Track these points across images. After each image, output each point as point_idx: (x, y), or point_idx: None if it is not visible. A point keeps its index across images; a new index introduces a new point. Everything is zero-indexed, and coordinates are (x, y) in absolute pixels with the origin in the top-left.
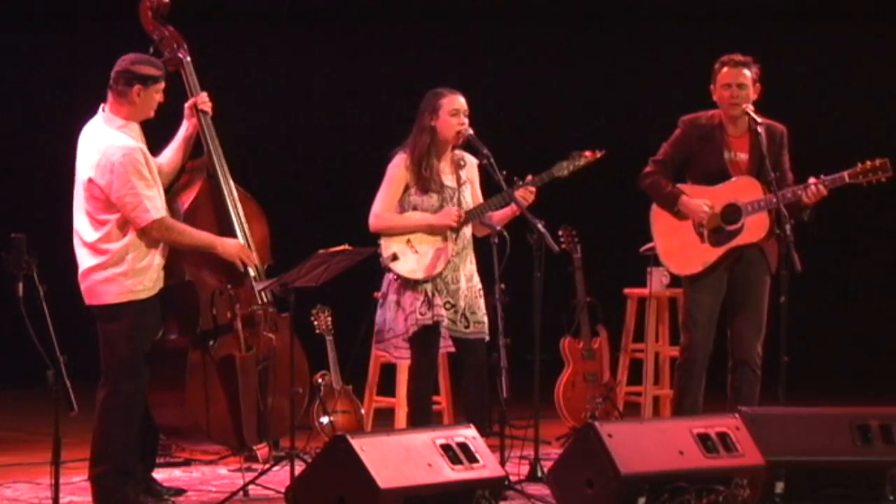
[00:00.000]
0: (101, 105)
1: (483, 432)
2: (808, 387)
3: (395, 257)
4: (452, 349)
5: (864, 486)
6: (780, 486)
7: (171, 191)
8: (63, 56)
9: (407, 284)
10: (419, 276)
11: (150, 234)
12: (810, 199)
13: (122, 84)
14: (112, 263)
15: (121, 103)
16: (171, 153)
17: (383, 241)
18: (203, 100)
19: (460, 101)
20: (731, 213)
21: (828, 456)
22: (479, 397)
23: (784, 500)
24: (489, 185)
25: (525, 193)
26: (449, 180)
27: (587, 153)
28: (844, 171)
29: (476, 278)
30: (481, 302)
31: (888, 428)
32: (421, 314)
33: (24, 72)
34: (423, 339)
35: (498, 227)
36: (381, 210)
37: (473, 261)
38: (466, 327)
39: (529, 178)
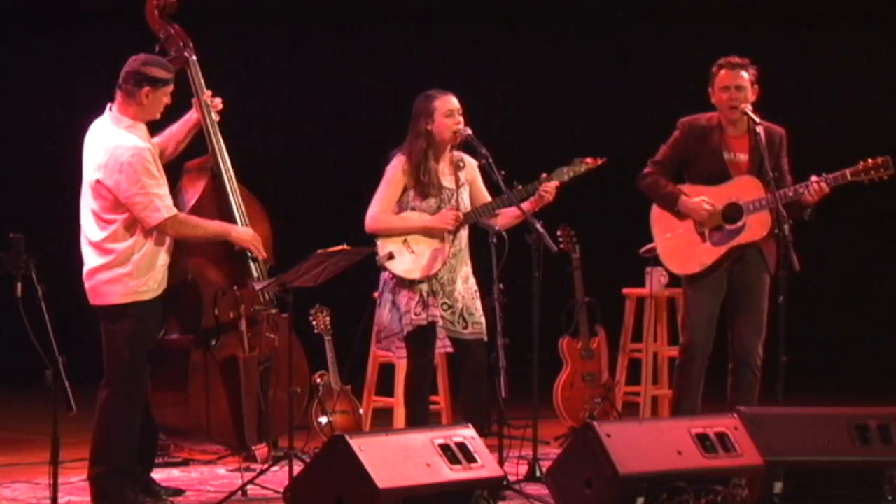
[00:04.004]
0: (108, 105)
1: (482, 432)
2: (806, 387)
3: (391, 257)
4: (451, 349)
5: (863, 486)
6: (778, 487)
7: (176, 189)
8: (64, 55)
9: (402, 284)
10: (415, 276)
11: (164, 232)
12: (812, 196)
13: (132, 84)
14: (117, 263)
15: (129, 103)
16: (172, 133)
17: (380, 241)
18: (209, 96)
19: (453, 102)
20: (733, 211)
21: (826, 456)
22: (477, 397)
23: (782, 501)
24: (489, 186)
25: (550, 189)
26: (447, 181)
27: (588, 160)
28: (846, 169)
29: (472, 279)
30: (478, 303)
31: (887, 428)
32: (416, 314)
33: (25, 72)
34: (419, 339)
35: (496, 228)
36: (378, 211)
37: (469, 262)
38: (465, 328)
39: (544, 175)
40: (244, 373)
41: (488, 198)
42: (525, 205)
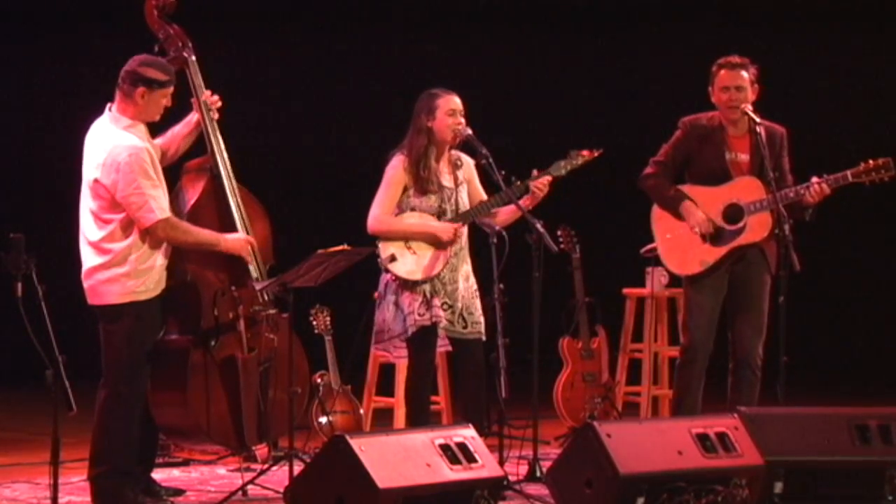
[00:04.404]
0: (108, 104)
1: (482, 432)
2: (806, 387)
3: (393, 258)
4: (450, 348)
5: (863, 486)
6: (778, 487)
7: (175, 189)
8: (64, 55)
9: (405, 285)
10: (418, 276)
11: (155, 234)
12: (813, 198)
13: (128, 84)
14: (114, 263)
15: (126, 103)
16: (175, 134)
17: (381, 243)
18: (208, 96)
19: (456, 101)
20: (734, 212)
21: (826, 456)
22: (477, 397)
23: (783, 501)
24: (488, 186)
25: (542, 185)
26: (447, 181)
27: (585, 152)
28: (848, 170)
29: (472, 278)
30: (478, 302)
31: (887, 428)
32: (419, 315)
33: (25, 72)
34: (422, 340)
35: (496, 227)
36: (380, 213)
37: (469, 260)
38: (464, 328)
39: (535, 172)
40: (243, 373)
41: (485, 196)
42: (521, 202)
